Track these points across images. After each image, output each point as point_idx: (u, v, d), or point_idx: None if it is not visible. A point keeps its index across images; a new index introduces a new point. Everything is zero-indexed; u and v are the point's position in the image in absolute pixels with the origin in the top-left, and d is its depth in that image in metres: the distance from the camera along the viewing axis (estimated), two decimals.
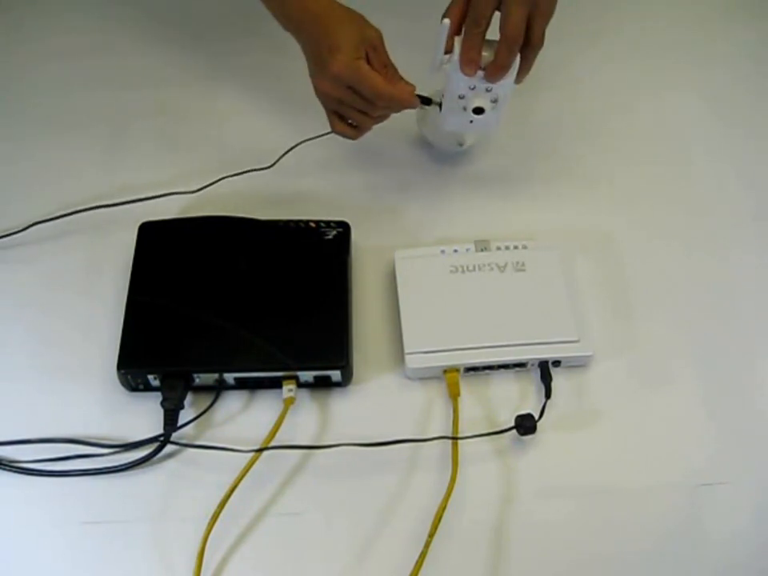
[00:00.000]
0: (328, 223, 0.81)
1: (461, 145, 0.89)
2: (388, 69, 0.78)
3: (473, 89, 0.77)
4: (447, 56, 0.76)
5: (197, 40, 1.02)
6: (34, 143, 0.93)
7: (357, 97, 0.77)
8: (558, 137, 0.93)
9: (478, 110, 0.79)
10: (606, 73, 0.99)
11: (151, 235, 0.81)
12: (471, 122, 0.80)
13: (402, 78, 0.79)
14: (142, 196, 0.85)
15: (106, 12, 1.04)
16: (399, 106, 0.79)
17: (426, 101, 0.81)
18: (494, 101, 0.78)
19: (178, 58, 1.00)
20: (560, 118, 0.95)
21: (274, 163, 0.86)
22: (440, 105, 0.81)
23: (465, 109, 0.79)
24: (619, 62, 1.00)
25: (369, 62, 0.77)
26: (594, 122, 0.95)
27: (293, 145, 0.86)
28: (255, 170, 0.86)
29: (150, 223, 0.82)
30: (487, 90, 0.77)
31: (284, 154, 0.86)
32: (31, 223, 0.85)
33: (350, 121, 0.81)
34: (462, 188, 0.89)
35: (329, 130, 0.83)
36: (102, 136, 0.93)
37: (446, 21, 0.74)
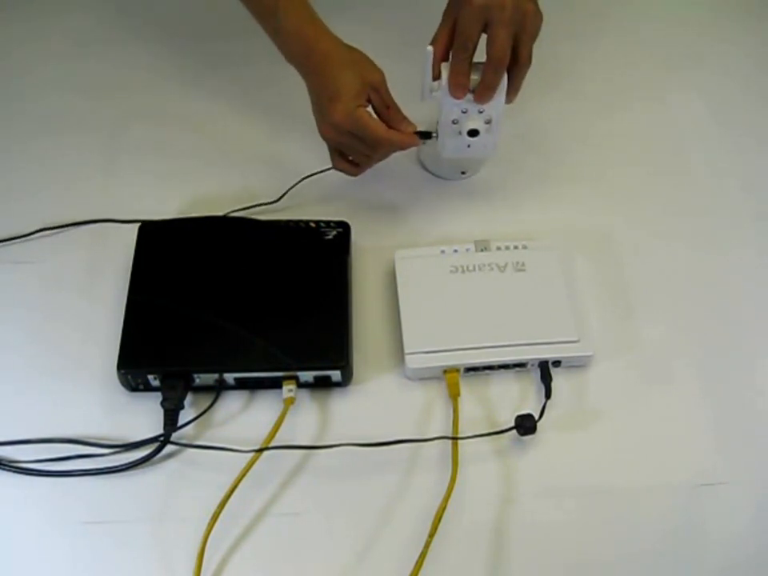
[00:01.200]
0: (328, 223, 0.81)
1: (463, 173, 0.89)
2: (390, 110, 0.79)
3: (465, 112, 0.78)
4: (436, 83, 0.77)
5: (202, 47, 1.02)
6: (33, 145, 0.93)
7: (358, 141, 0.78)
8: (558, 137, 0.93)
9: (473, 132, 0.79)
10: (606, 73, 0.99)
11: (151, 235, 0.81)
12: (469, 146, 0.81)
13: (404, 118, 0.79)
14: (147, 207, 0.86)
15: (109, 14, 1.05)
16: (401, 148, 0.80)
17: (426, 135, 0.82)
18: (488, 122, 0.79)
19: (183, 63, 1.00)
20: (560, 118, 0.95)
21: (279, 198, 0.87)
22: (437, 134, 0.82)
23: (460, 133, 0.80)
24: (619, 62, 1.00)
25: (371, 102, 0.78)
26: (593, 123, 0.95)
27: (298, 177, 0.87)
28: (261, 204, 0.86)
29: (149, 223, 0.82)
30: (480, 112, 0.78)
31: (288, 190, 0.87)
32: (38, 229, 0.85)
33: (350, 158, 0.82)
34: (462, 188, 0.89)
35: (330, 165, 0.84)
36: (103, 140, 0.93)
37: (430, 48, 0.75)
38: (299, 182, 0.87)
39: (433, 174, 0.90)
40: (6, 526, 0.70)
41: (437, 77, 0.76)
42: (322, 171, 0.86)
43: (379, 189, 0.89)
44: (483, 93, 0.76)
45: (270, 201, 0.86)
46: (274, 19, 0.78)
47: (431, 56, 0.75)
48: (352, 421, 0.74)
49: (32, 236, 0.85)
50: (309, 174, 0.87)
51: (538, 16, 0.74)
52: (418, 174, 0.90)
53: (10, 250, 0.84)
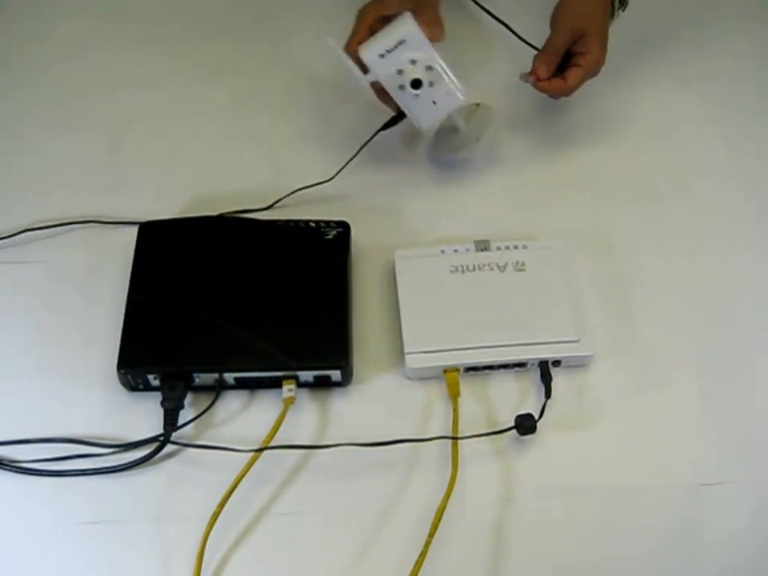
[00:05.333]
0: (328, 223, 0.81)
1: (478, 139, 0.88)
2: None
3: (401, 72, 0.79)
4: (366, 76, 0.80)
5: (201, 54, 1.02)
6: (32, 145, 0.93)
7: None
8: (558, 137, 0.93)
9: (416, 83, 0.80)
10: (606, 73, 0.99)
11: (151, 235, 0.81)
12: (434, 102, 0.81)
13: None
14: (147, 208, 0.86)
15: (109, 14, 1.05)
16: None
17: (401, 116, 0.84)
18: (429, 68, 0.80)
19: (184, 63, 1.00)
20: (560, 118, 0.95)
21: (272, 205, 0.86)
22: (401, 112, 0.84)
23: (417, 95, 0.80)
24: (619, 62, 1.00)
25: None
26: (593, 123, 0.95)
27: (292, 188, 0.87)
28: (252, 210, 0.85)
29: (149, 223, 0.82)
30: (412, 62, 0.79)
31: (282, 198, 0.86)
32: (22, 229, 0.84)
33: None
34: (462, 188, 0.89)
35: (328, 176, 0.86)
36: (103, 140, 0.93)
37: (331, 39, 0.78)
38: (293, 192, 0.86)
39: (451, 160, 0.89)
40: (6, 526, 0.70)
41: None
42: (318, 183, 0.86)
43: (379, 189, 0.89)
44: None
45: (260, 207, 0.86)
46: None
47: (336, 47, 0.78)
48: (352, 421, 0.74)
49: (30, 236, 0.84)
50: (311, 183, 0.86)
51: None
52: (418, 174, 0.90)
53: (10, 250, 0.84)
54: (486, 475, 0.72)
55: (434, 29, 0.79)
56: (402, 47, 0.79)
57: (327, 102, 0.96)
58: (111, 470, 0.71)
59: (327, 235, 0.81)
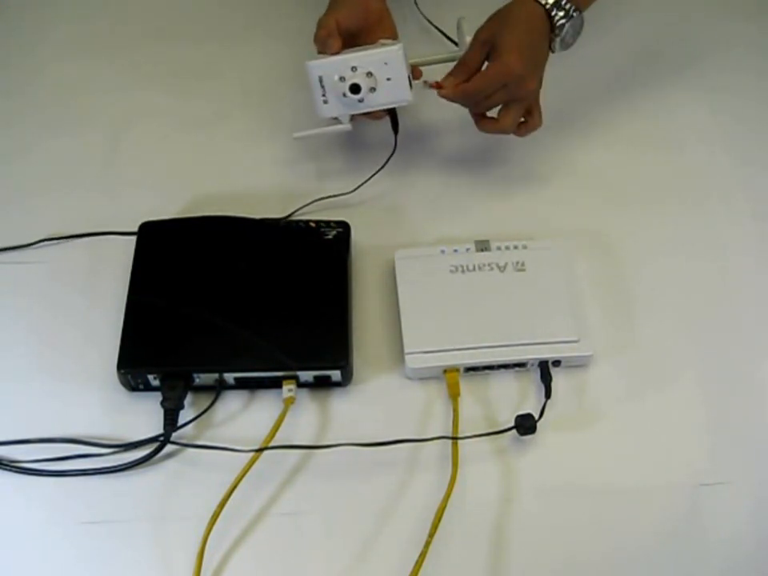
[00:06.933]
0: (328, 223, 0.81)
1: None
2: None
3: (343, 80, 0.79)
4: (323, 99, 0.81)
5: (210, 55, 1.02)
6: (32, 144, 0.93)
7: None
8: (559, 137, 0.93)
9: (355, 88, 0.79)
10: (607, 73, 0.99)
11: (151, 235, 0.81)
12: (373, 90, 0.80)
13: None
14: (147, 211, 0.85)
15: (110, 16, 1.05)
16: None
17: (392, 112, 0.85)
18: (369, 74, 0.79)
19: (186, 65, 1.00)
20: (560, 118, 0.95)
21: (288, 216, 0.85)
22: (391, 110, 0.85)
23: (361, 101, 0.80)
24: (621, 62, 1.00)
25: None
26: (594, 123, 0.95)
27: (298, 191, 0.87)
28: (268, 219, 0.84)
29: (150, 223, 0.82)
30: (353, 70, 0.79)
31: (299, 209, 0.86)
32: (40, 239, 0.84)
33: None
34: (462, 188, 0.89)
35: (348, 189, 0.86)
36: (102, 140, 0.93)
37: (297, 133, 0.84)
38: (309, 203, 0.86)
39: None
40: (6, 525, 0.70)
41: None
42: (336, 195, 0.86)
43: (379, 189, 0.89)
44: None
45: (282, 215, 0.85)
46: None
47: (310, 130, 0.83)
48: (352, 421, 0.74)
49: (35, 245, 0.84)
50: (322, 196, 0.86)
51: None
52: (418, 174, 0.90)
53: (10, 250, 0.84)
54: (486, 475, 0.72)
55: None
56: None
57: None
58: (111, 470, 0.71)
59: (327, 235, 0.81)
